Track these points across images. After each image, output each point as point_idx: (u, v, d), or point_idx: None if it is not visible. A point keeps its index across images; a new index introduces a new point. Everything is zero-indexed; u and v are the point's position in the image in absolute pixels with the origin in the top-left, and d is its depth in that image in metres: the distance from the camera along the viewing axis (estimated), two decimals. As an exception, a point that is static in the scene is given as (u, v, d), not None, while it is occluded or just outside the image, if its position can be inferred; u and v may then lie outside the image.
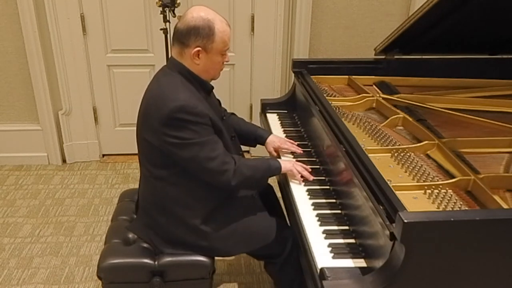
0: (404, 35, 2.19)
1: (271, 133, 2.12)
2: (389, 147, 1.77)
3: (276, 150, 2.05)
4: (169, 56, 2.81)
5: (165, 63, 2.80)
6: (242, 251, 1.85)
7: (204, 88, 1.72)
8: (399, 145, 1.78)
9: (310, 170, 1.86)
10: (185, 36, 1.62)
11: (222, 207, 1.74)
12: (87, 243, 2.60)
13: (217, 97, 1.93)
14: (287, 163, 1.86)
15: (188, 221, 1.70)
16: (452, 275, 1.24)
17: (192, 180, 1.67)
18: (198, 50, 1.62)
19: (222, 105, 1.97)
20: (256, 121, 2.67)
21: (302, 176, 1.83)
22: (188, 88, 1.64)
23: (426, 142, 1.75)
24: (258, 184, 1.84)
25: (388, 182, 1.39)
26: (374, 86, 2.34)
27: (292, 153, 2.05)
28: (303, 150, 2.04)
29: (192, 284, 1.75)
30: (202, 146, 1.60)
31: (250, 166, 1.73)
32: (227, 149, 1.72)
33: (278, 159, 1.89)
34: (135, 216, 1.92)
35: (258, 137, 2.08)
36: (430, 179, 1.55)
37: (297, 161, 1.92)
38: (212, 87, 1.78)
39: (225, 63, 1.73)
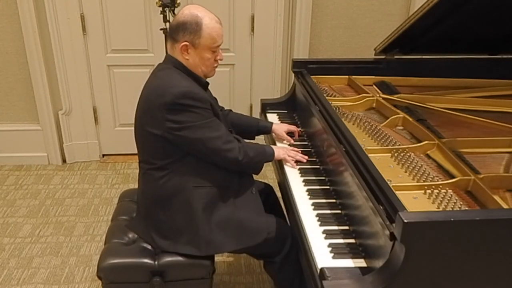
0: (404, 35, 2.19)
1: (272, 122, 2.22)
2: (389, 147, 1.76)
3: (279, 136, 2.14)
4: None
5: (165, 63, 2.86)
6: (237, 246, 1.77)
7: (199, 82, 1.75)
8: (399, 145, 1.78)
9: (301, 153, 1.96)
10: (174, 31, 1.69)
11: (223, 196, 1.77)
12: (87, 243, 2.61)
13: (214, 95, 1.93)
14: (280, 150, 1.95)
15: (188, 210, 1.71)
16: (452, 275, 1.24)
17: (193, 166, 1.72)
18: (186, 45, 1.67)
19: (219, 104, 1.98)
20: (256, 121, 2.67)
21: (296, 161, 1.93)
22: (186, 79, 1.70)
23: (426, 142, 1.75)
24: (255, 168, 1.86)
25: (388, 182, 1.39)
26: (374, 86, 2.34)
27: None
28: (301, 148, 2.04)
29: (192, 284, 1.75)
30: (207, 127, 1.67)
31: (250, 148, 1.81)
32: None
33: (272, 146, 1.97)
34: (134, 216, 1.92)
35: (262, 127, 2.17)
36: (430, 179, 1.55)
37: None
38: (207, 83, 1.81)
39: (218, 61, 1.76)
